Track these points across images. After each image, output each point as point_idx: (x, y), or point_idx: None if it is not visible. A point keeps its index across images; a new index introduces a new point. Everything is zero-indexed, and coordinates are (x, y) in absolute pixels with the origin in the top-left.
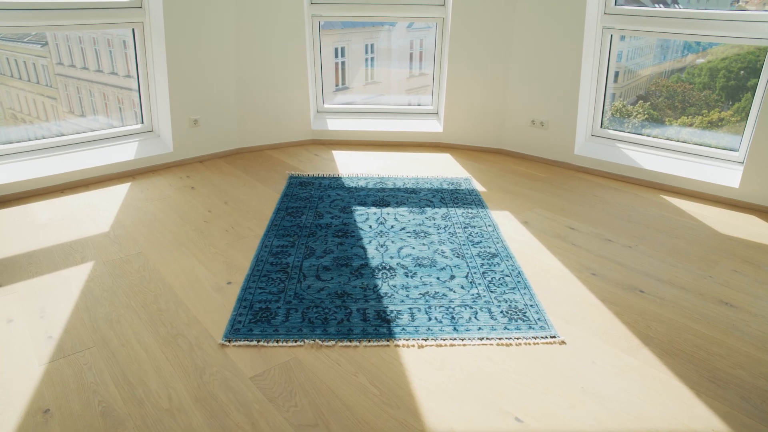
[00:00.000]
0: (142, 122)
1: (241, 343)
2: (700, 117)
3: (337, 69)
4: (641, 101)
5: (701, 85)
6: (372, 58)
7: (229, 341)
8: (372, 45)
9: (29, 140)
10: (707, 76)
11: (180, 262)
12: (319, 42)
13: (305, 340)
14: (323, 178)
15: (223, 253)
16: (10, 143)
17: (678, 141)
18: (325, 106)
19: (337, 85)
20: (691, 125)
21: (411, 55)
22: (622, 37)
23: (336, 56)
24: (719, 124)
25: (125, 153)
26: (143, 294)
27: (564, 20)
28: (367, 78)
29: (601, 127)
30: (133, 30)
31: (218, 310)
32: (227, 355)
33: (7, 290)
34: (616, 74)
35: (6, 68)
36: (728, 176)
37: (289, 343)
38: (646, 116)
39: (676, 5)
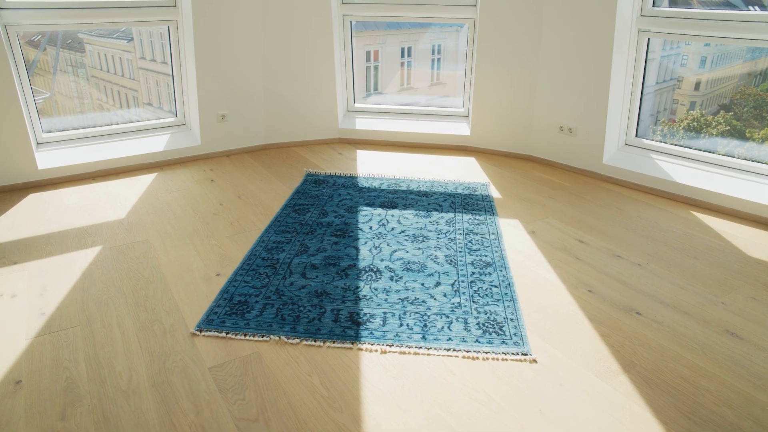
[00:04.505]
0: (176, 115)
1: (211, 333)
2: None
3: (402, 69)
4: (723, 111)
5: None
6: (438, 59)
7: (200, 331)
8: (439, 46)
9: (86, 128)
10: None
11: (179, 251)
12: (351, 41)
13: (271, 336)
14: (338, 176)
15: (222, 246)
16: (60, 131)
17: (718, 153)
18: (356, 105)
19: (402, 85)
20: None
21: None
22: (707, 44)
23: (402, 56)
24: None
25: (156, 144)
26: (136, 279)
27: (594, 23)
28: (432, 79)
29: (636, 135)
30: (168, 27)
31: (200, 300)
32: (194, 345)
33: (20, 267)
34: (698, 83)
35: (97, 62)
36: None
37: (256, 338)
38: (727, 127)
39: None
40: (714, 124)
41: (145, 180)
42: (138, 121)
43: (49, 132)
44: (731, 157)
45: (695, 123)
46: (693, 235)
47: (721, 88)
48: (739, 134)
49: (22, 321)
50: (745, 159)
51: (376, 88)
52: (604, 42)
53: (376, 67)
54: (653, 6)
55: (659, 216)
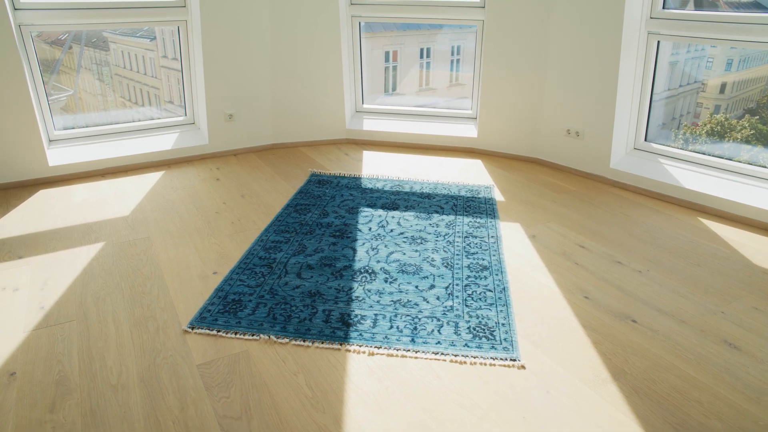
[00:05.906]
0: (185, 114)
1: (203, 331)
2: None
3: (421, 70)
4: (748, 115)
5: None
6: (458, 60)
7: (192, 328)
8: (458, 47)
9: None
10: None
11: (178, 249)
12: (360, 42)
13: (261, 335)
14: (342, 177)
15: (221, 244)
16: (71, 129)
17: (738, 160)
18: (365, 106)
19: (420, 86)
20: None
21: None
22: (733, 47)
23: (421, 57)
24: None
25: (164, 143)
26: (135, 276)
27: (602, 25)
28: (451, 80)
29: (645, 139)
30: (178, 28)
31: (195, 297)
32: (185, 342)
33: (24, 262)
34: (723, 86)
35: (120, 60)
36: None
37: (246, 336)
38: (752, 131)
39: None
40: (738, 128)
41: (153, 178)
42: (149, 119)
43: (72, 128)
44: (749, 164)
45: (719, 127)
46: (698, 242)
47: (747, 91)
48: (765, 139)
49: (21, 314)
50: (758, 166)
51: (394, 89)
52: (612, 44)
53: (395, 68)
54: (663, 8)
55: (665, 222)
